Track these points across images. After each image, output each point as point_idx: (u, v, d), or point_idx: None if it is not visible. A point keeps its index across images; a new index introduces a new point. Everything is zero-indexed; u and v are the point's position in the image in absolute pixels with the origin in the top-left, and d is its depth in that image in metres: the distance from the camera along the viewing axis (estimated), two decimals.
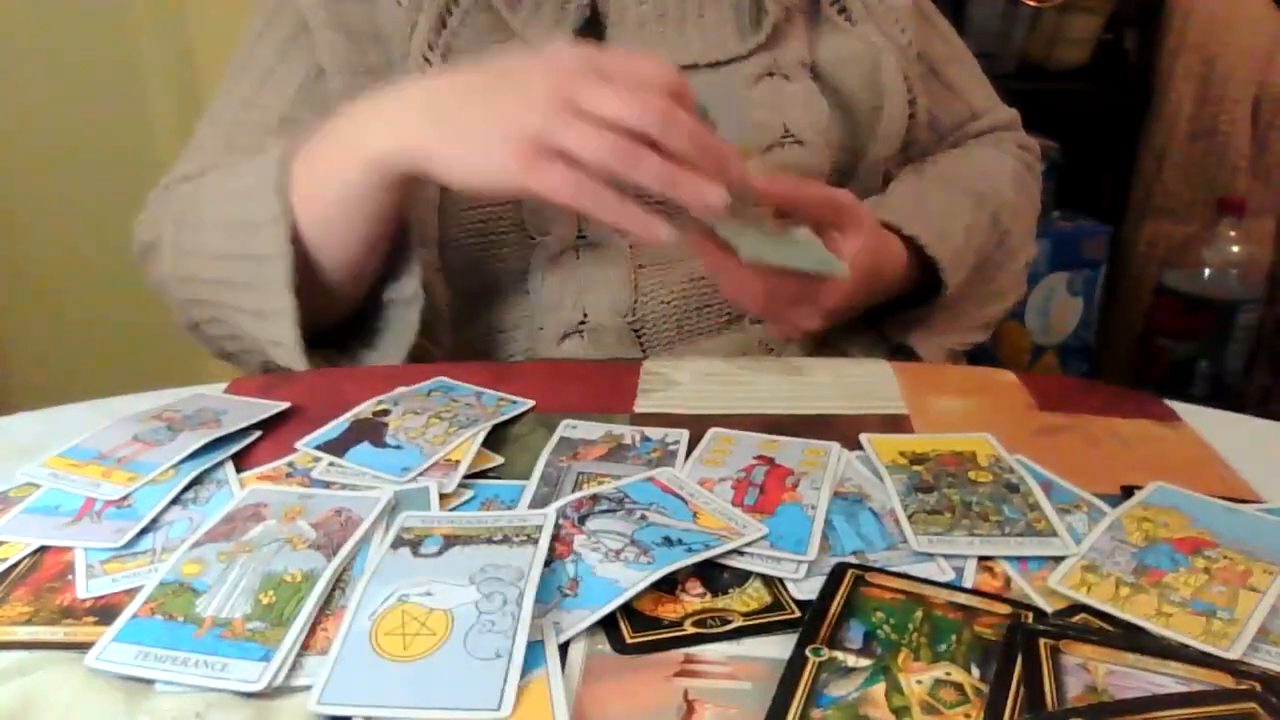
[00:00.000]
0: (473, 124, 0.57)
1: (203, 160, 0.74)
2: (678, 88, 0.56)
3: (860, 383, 0.63)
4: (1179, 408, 0.59)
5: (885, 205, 0.76)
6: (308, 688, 0.36)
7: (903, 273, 0.74)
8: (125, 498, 0.49)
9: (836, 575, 0.42)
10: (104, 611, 0.41)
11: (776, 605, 0.41)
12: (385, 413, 0.57)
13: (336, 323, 0.70)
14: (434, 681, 0.36)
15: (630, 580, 0.41)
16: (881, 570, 0.43)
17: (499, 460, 0.53)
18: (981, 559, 0.44)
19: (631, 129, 0.53)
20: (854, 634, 0.39)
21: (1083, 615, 0.41)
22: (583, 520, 0.46)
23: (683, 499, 0.48)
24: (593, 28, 0.75)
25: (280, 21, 0.74)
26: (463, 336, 0.75)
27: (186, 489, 0.50)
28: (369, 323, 0.70)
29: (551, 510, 0.46)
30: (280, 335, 0.64)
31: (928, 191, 0.78)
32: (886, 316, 0.79)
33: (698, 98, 0.59)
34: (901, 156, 0.83)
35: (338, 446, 0.53)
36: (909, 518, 0.47)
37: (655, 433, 0.55)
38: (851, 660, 0.37)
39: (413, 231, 0.67)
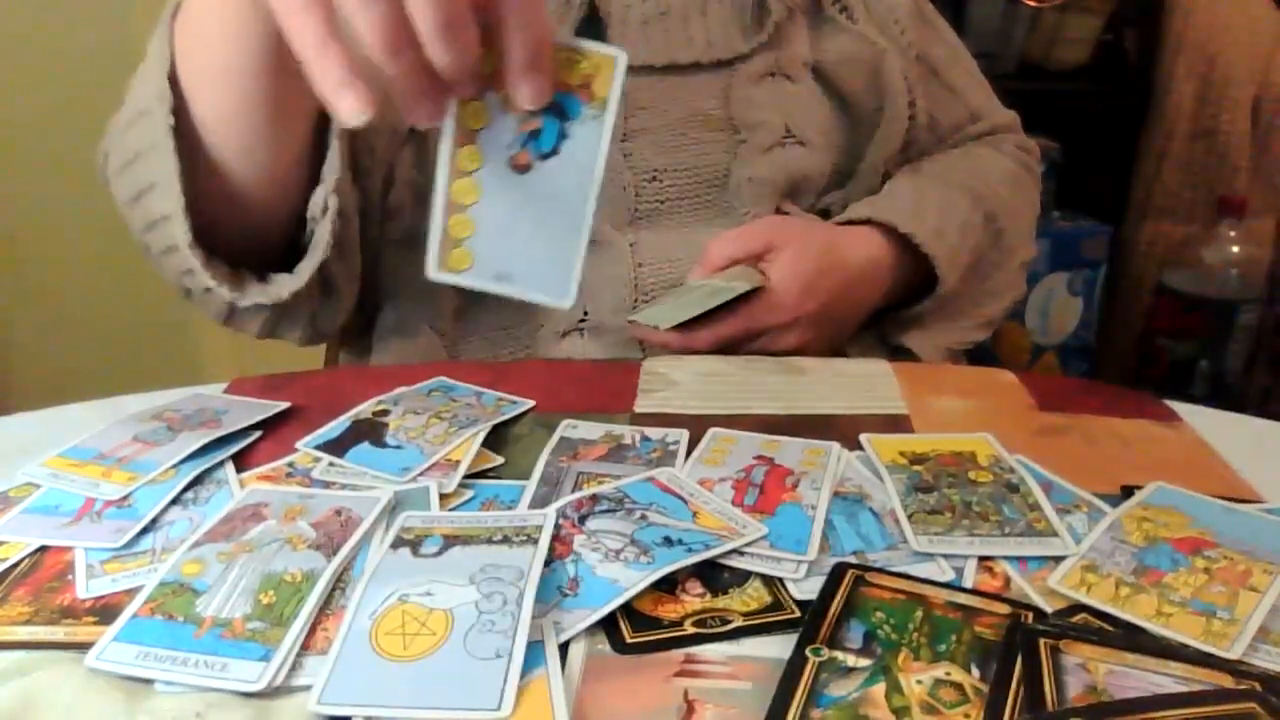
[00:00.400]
0: None
1: None
2: None
3: (860, 383, 0.63)
4: (1179, 408, 0.59)
5: (880, 203, 0.76)
6: (308, 688, 0.36)
7: (888, 261, 0.75)
8: (125, 498, 0.48)
9: (836, 575, 0.42)
10: (104, 611, 0.41)
11: (776, 605, 0.41)
12: (385, 413, 0.57)
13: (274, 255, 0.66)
14: (434, 681, 0.36)
15: (630, 580, 0.41)
16: (881, 570, 0.43)
17: (499, 460, 0.53)
18: (981, 559, 0.44)
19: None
20: (854, 634, 0.39)
21: (1083, 615, 0.41)
22: (583, 520, 0.46)
23: (683, 499, 0.48)
24: (594, 24, 0.75)
25: None
26: (463, 335, 0.75)
27: (186, 489, 0.50)
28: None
29: (551, 510, 0.46)
30: (171, 202, 0.58)
31: (924, 190, 0.78)
32: (884, 316, 0.79)
33: None
34: (901, 157, 0.83)
35: (338, 447, 0.53)
36: (909, 518, 0.47)
37: (655, 433, 0.55)
38: (851, 660, 0.37)
39: (333, 139, 0.62)
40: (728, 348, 0.69)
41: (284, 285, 0.64)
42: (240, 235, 0.64)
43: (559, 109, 0.44)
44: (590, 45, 0.44)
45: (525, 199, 0.44)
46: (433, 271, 0.45)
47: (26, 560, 0.45)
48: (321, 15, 0.41)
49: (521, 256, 0.45)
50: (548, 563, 0.42)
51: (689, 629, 0.40)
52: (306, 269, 0.63)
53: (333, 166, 0.62)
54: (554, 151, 0.44)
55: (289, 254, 0.66)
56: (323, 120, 0.62)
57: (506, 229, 0.45)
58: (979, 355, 0.85)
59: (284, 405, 0.58)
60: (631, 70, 0.75)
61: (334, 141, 0.62)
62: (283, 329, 0.70)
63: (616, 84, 0.44)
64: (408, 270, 0.76)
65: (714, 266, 0.69)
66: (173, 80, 0.58)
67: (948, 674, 0.37)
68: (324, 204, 0.62)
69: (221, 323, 0.69)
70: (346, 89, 0.41)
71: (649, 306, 0.71)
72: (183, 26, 0.58)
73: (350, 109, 0.41)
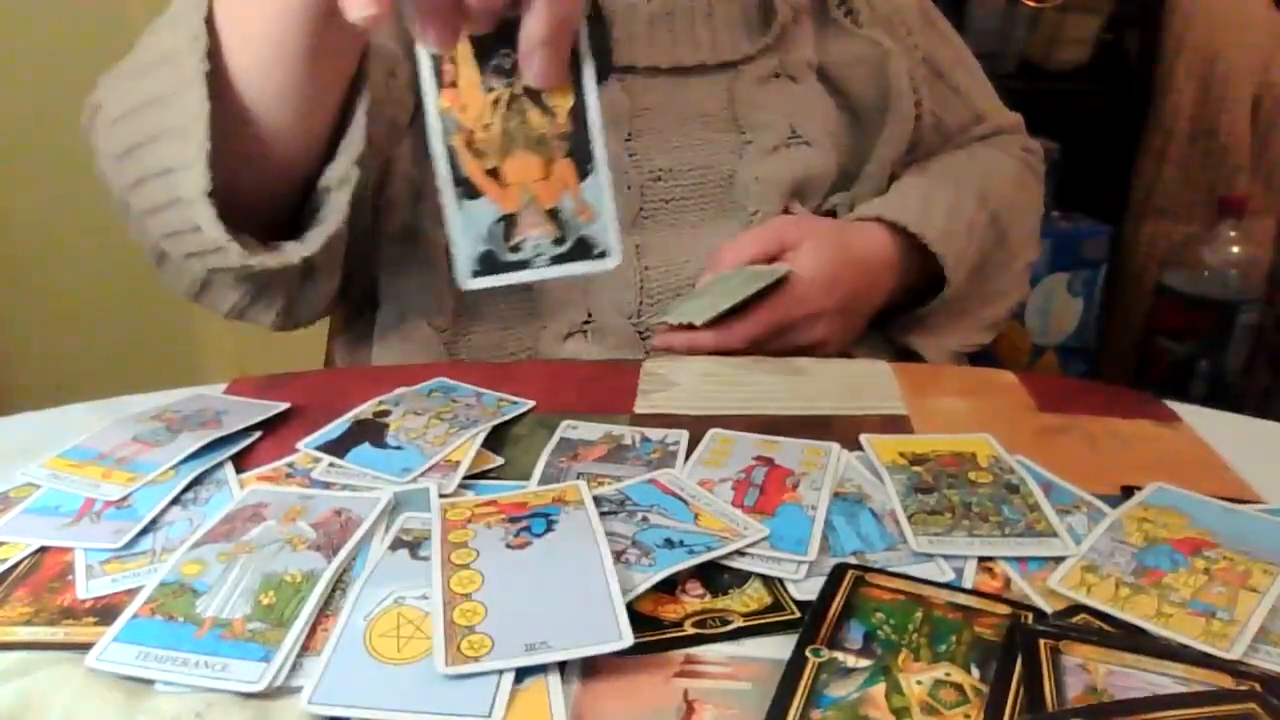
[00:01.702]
0: None
1: None
2: None
3: (860, 383, 0.63)
4: (1179, 408, 0.59)
5: (890, 202, 0.76)
6: None
7: (895, 260, 0.75)
8: (125, 498, 0.48)
9: (836, 576, 0.42)
10: (104, 612, 0.41)
11: (776, 606, 0.41)
12: (386, 413, 0.57)
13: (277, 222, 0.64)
14: (427, 685, 0.36)
15: (632, 582, 0.41)
16: (881, 571, 0.43)
17: (499, 461, 0.53)
18: (981, 559, 0.44)
19: None
20: (854, 634, 0.39)
21: (1083, 616, 0.41)
22: None
23: (683, 500, 0.48)
24: (599, 25, 0.75)
25: None
26: (466, 334, 0.75)
27: (186, 489, 0.50)
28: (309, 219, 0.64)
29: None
30: (192, 149, 0.55)
31: (931, 190, 0.78)
32: (890, 318, 0.79)
33: None
34: (907, 158, 0.83)
35: (338, 447, 0.53)
36: (909, 518, 0.47)
37: (655, 433, 0.55)
38: (851, 661, 0.37)
39: (357, 109, 0.60)
40: (754, 346, 0.68)
41: (293, 251, 0.61)
42: (247, 200, 0.61)
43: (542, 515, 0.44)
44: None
45: (532, 570, 0.41)
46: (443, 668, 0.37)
47: (26, 561, 0.45)
48: None
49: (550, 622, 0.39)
50: None
51: (689, 629, 0.40)
52: (319, 236, 0.61)
53: (357, 138, 0.60)
54: (549, 529, 0.43)
55: (284, 230, 0.64)
56: (351, 92, 0.60)
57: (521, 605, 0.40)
58: (979, 355, 0.85)
59: (284, 405, 0.58)
60: (636, 71, 0.76)
61: (360, 112, 0.60)
62: (255, 311, 0.68)
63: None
64: (406, 266, 0.76)
65: (729, 269, 0.70)
66: (208, 25, 0.56)
67: (948, 674, 0.37)
68: (343, 174, 0.60)
69: (192, 296, 0.67)
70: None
71: (677, 305, 0.71)
72: None
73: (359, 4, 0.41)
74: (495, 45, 0.42)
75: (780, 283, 0.68)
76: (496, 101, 0.43)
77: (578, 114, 0.43)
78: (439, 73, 0.43)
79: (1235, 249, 1.58)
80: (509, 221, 0.43)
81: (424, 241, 0.73)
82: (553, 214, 0.43)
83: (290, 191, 0.64)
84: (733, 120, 0.77)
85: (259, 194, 0.62)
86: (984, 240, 0.79)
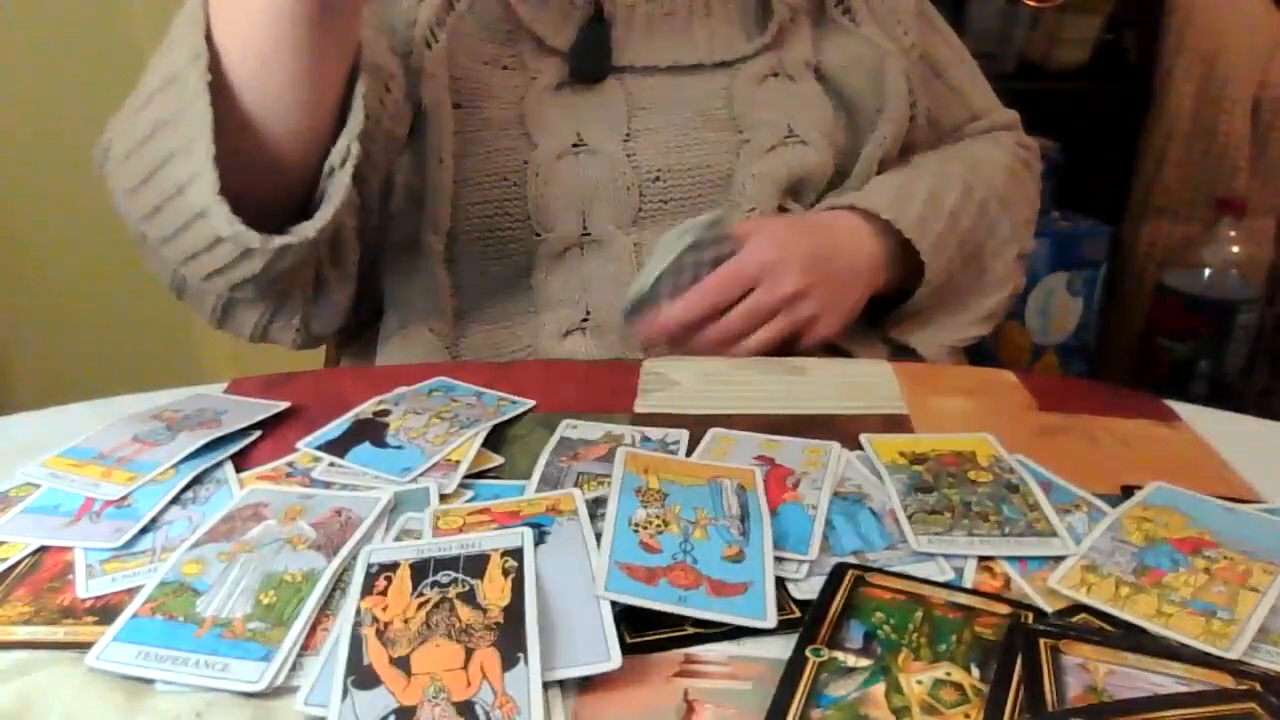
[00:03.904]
0: None
1: None
2: None
3: (860, 383, 0.63)
4: (1179, 408, 0.59)
5: (862, 194, 0.76)
6: None
7: (868, 234, 0.74)
8: (125, 498, 0.49)
9: (836, 575, 0.42)
10: (104, 611, 0.41)
11: (777, 605, 0.41)
12: (386, 413, 0.57)
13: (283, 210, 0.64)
14: None
15: None
16: (881, 570, 0.43)
17: (499, 460, 0.53)
18: (981, 559, 0.44)
19: None
20: (854, 634, 0.39)
21: (1083, 615, 0.41)
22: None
23: None
24: (599, 24, 0.75)
25: None
26: (466, 331, 0.75)
27: (186, 489, 0.50)
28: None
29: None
30: (201, 161, 0.56)
31: (909, 180, 0.78)
32: (885, 315, 0.79)
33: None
34: (901, 158, 0.83)
35: (338, 446, 0.53)
36: (909, 518, 0.46)
37: (655, 433, 0.55)
38: (851, 660, 0.37)
39: (358, 88, 0.61)
40: (745, 323, 0.69)
41: (305, 228, 0.60)
42: (258, 204, 0.60)
43: None
44: None
45: None
46: None
47: (26, 560, 0.45)
48: None
49: None
50: None
51: (689, 629, 0.40)
52: (326, 211, 0.61)
53: (357, 118, 0.60)
54: (541, 541, 0.42)
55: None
56: (351, 74, 0.61)
57: None
58: (979, 355, 0.85)
59: (284, 405, 0.58)
60: (635, 71, 0.76)
61: (359, 92, 0.60)
62: (276, 329, 0.69)
63: None
64: (407, 274, 0.76)
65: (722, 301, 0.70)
66: (208, 40, 0.57)
67: (948, 674, 0.37)
68: (345, 152, 0.60)
69: (216, 321, 0.69)
70: None
71: (632, 290, 0.69)
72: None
73: None
74: (436, 569, 0.40)
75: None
76: (424, 604, 0.39)
77: (513, 611, 0.38)
78: (370, 586, 0.40)
79: (1235, 249, 1.58)
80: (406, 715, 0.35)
81: (424, 250, 0.74)
82: (465, 707, 0.35)
83: (297, 191, 0.64)
84: (730, 119, 0.77)
85: (268, 196, 0.62)
86: (971, 229, 0.79)
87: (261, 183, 0.60)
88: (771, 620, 0.39)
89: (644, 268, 0.69)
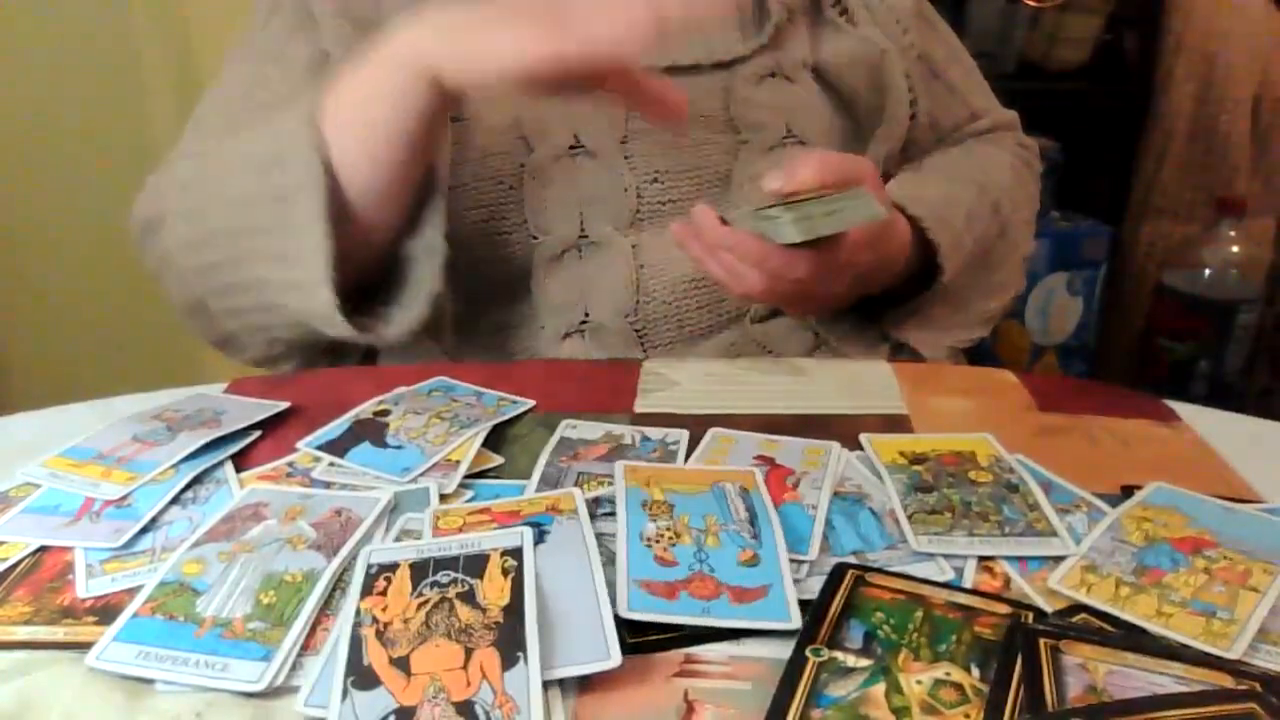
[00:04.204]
0: (490, 20, 0.56)
1: (205, 139, 0.73)
2: None
3: (860, 383, 0.63)
4: (1179, 408, 0.59)
5: (891, 190, 0.76)
6: None
7: (906, 249, 0.74)
8: (125, 497, 0.49)
9: (836, 575, 0.42)
10: (104, 611, 0.41)
11: None
12: (386, 413, 0.57)
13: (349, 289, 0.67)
14: None
15: None
16: (881, 570, 0.43)
17: (499, 460, 0.53)
18: (981, 559, 0.44)
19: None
20: (854, 634, 0.39)
21: (1083, 615, 0.41)
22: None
23: None
24: None
25: (285, 11, 0.74)
26: (465, 335, 0.75)
27: (186, 489, 0.50)
28: (390, 287, 0.67)
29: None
30: (305, 275, 0.59)
31: (927, 181, 0.78)
32: (886, 312, 0.79)
33: None
34: (901, 157, 0.83)
35: (338, 447, 0.53)
36: (909, 518, 0.47)
37: (655, 433, 0.55)
38: (851, 660, 0.37)
39: (437, 181, 0.65)
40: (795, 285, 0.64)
41: (399, 323, 0.64)
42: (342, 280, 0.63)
43: None
44: None
45: None
46: None
47: (26, 560, 0.45)
48: None
49: None
50: None
51: (689, 629, 0.40)
52: (418, 302, 0.64)
53: (439, 216, 0.64)
54: (541, 540, 0.42)
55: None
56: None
57: None
58: (979, 355, 0.85)
59: (284, 405, 0.58)
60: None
61: (438, 197, 0.64)
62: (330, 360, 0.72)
63: None
64: None
65: (797, 187, 0.62)
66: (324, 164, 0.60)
67: (948, 674, 0.37)
68: (429, 244, 0.64)
69: (250, 362, 0.71)
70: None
71: (764, 212, 0.62)
72: (335, 115, 0.61)
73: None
74: (436, 569, 0.41)
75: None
76: (424, 604, 0.39)
77: (512, 610, 0.38)
78: (370, 586, 0.40)
79: (1235, 249, 1.58)
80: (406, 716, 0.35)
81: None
82: (465, 707, 0.35)
83: (373, 263, 0.67)
84: (728, 120, 0.77)
85: (354, 273, 0.65)
86: (984, 231, 0.79)
87: (357, 260, 0.63)
88: (796, 621, 0.39)
89: (793, 210, 0.60)
